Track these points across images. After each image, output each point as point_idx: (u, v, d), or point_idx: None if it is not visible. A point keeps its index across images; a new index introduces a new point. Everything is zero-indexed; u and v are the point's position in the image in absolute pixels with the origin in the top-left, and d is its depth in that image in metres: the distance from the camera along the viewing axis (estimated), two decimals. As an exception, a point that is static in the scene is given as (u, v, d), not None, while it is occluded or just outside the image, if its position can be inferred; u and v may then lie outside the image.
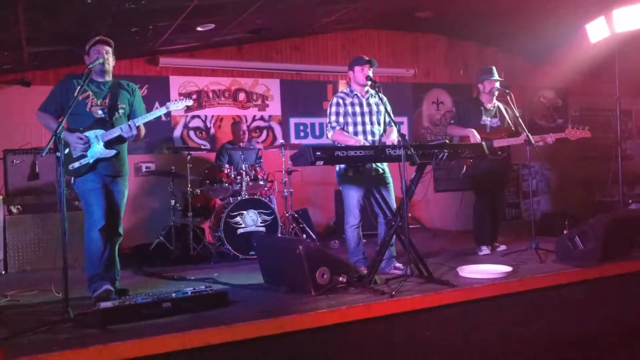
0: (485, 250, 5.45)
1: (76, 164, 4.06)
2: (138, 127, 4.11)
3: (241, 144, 6.78)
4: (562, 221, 5.97)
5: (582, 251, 4.70)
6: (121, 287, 4.29)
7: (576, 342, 4.25)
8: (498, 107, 5.62)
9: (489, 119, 5.54)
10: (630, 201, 6.96)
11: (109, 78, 4.23)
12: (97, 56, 4.04)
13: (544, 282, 4.24)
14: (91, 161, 4.07)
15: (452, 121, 5.84)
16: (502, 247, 5.60)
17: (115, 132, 4.08)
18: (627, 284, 4.58)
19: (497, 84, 5.53)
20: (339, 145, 4.57)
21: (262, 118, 7.73)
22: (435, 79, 8.69)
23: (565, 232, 5.15)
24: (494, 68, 5.59)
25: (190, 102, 4.34)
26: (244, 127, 7.05)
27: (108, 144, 4.10)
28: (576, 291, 4.36)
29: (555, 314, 4.24)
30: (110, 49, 4.16)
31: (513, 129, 5.54)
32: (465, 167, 5.36)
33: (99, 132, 4.08)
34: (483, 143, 4.85)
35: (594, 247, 4.63)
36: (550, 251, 5.01)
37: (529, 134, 5.21)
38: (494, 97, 5.58)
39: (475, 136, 5.29)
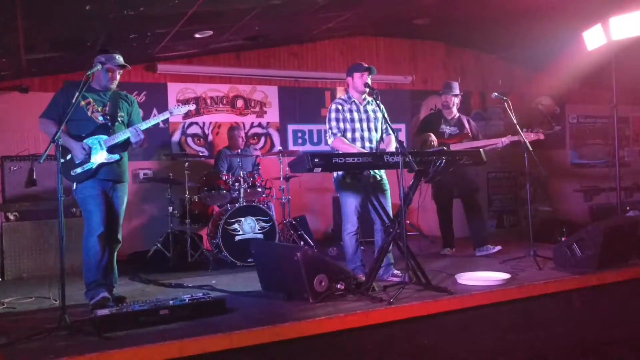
0: (445, 251, 6.01)
1: (78, 170, 4.07)
2: (143, 132, 4.13)
3: (238, 150, 6.78)
4: (560, 228, 5.99)
5: (580, 258, 4.70)
6: (118, 294, 4.28)
7: (574, 349, 4.25)
8: (459, 118, 6.00)
9: (447, 127, 5.91)
10: (627, 208, 6.98)
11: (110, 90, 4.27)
12: (111, 75, 4.18)
13: (542, 289, 4.24)
14: (94, 166, 4.08)
15: (415, 132, 6.32)
16: (496, 248, 5.73)
17: (118, 137, 4.10)
18: (625, 291, 4.58)
19: (456, 99, 5.97)
20: (337, 152, 4.58)
21: (260, 125, 7.73)
22: (433, 86, 8.69)
23: (563, 239, 5.15)
24: (452, 83, 6.04)
25: (192, 107, 4.44)
26: (242, 132, 7.05)
27: (110, 149, 4.12)
28: (574, 298, 4.36)
29: (554, 321, 4.24)
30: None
31: (470, 136, 5.88)
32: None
33: (102, 137, 4.11)
34: (481, 150, 4.88)
35: (592, 254, 4.63)
36: (548, 258, 5.01)
37: (528, 143, 5.22)
38: (452, 110, 5.98)
39: (433, 138, 5.70)
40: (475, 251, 5.85)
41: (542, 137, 5.64)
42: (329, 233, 7.59)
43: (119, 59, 4.19)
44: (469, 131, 5.89)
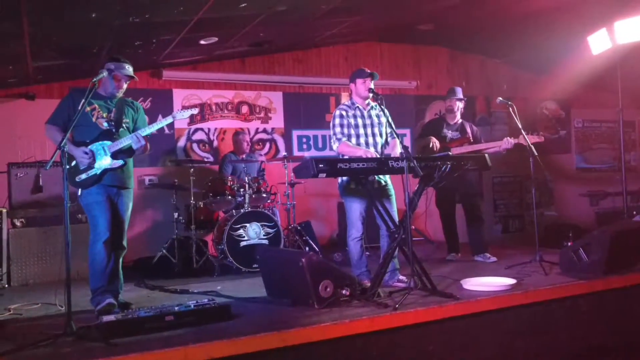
0: (450, 257, 5.98)
1: (83, 176, 4.08)
2: (145, 138, 4.14)
3: (243, 155, 6.79)
4: (566, 233, 5.95)
5: (587, 263, 4.67)
6: (124, 300, 4.28)
7: (581, 354, 4.23)
8: (462, 124, 5.98)
9: (449, 131, 5.92)
10: (634, 212, 6.93)
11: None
12: (118, 84, 4.20)
13: (548, 294, 4.22)
14: (98, 172, 4.09)
15: (417, 136, 6.31)
16: (493, 259, 5.69)
17: (122, 143, 4.11)
18: (632, 296, 4.55)
19: (460, 104, 5.95)
20: (343, 157, 4.58)
21: (265, 130, 7.75)
22: (438, 91, 8.70)
23: (569, 244, 5.13)
24: (455, 88, 6.03)
25: (195, 111, 4.45)
26: (247, 137, 7.07)
27: (114, 155, 4.13)
28: (580, 303, 4.33)
29: (560, 326, 4.21)
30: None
31: (472, 140, 5.85)
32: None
33: (106, 143, 4.12)
34: (486, 155, 4.88)
35: (598, 259, 4.60)
36: (554, 263, 4.98)
37: (533, 147, 5.21)
38: (456, 115, 5.97)
39: (434, 141, 5.69)
40: (473, 256, 5.86)
41: (542, 139, 5.61)
42: (334, 238, 7.59)
43: (128, 69, 4.20)
44: (471, 135, 5.88)
